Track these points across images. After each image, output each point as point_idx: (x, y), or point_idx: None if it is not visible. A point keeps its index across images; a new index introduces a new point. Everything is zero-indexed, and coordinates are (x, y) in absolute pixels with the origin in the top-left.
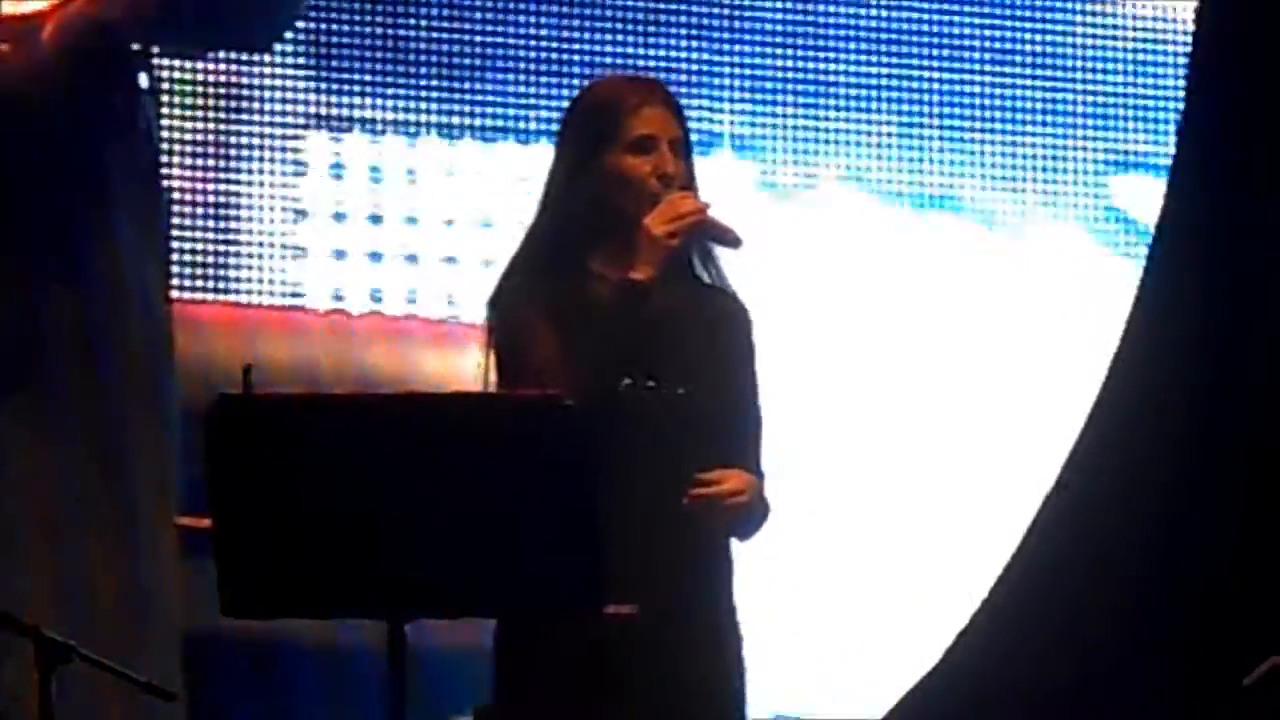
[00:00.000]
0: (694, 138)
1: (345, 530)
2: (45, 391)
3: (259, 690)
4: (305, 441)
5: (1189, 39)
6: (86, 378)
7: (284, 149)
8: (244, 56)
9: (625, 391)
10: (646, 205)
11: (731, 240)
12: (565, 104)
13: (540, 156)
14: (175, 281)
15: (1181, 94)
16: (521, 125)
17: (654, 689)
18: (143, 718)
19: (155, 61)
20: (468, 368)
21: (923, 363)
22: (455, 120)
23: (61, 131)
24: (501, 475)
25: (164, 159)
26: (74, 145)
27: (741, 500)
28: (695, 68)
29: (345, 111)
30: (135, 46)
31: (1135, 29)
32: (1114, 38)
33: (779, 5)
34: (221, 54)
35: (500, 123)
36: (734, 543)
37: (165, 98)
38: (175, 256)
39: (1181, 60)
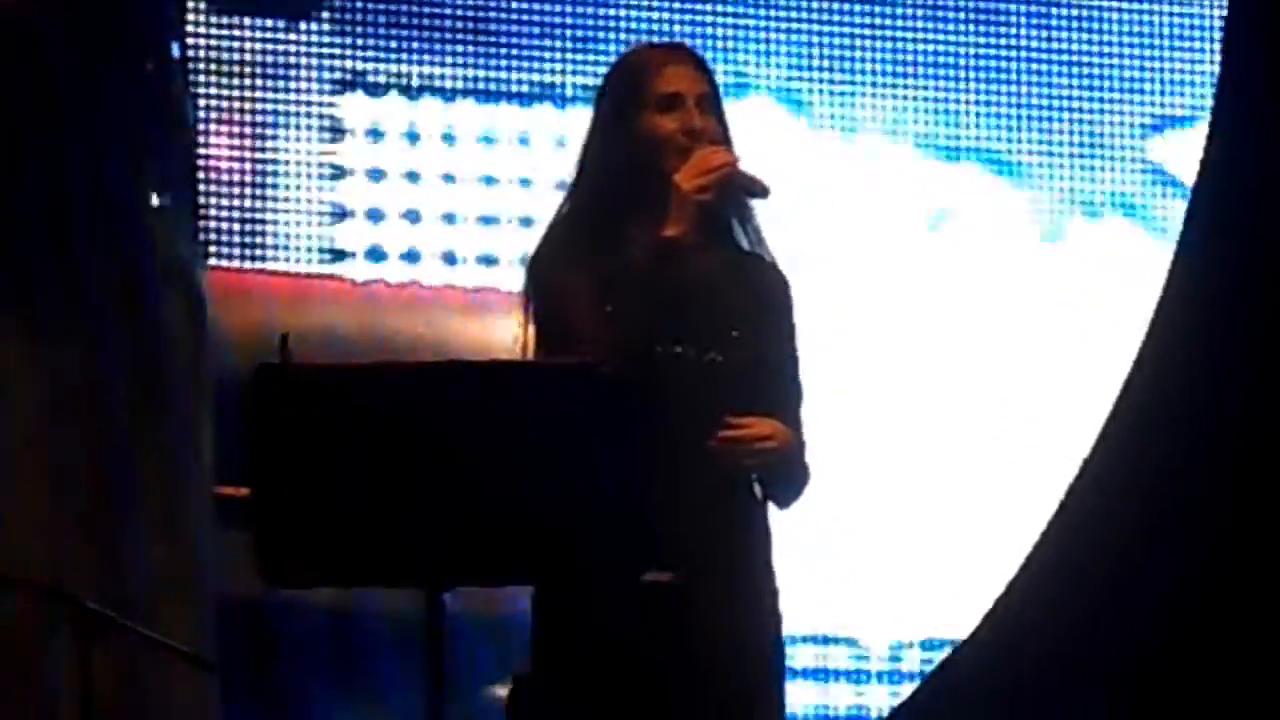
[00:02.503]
0: (734, 83)
1: (383, 499)
2: (94, 359)
3: (287, 656)
4: (344, 410)
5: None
6: (133, 345)
7: (320, 114)
8: (280, 23)
9: (658, 357)
10: (677, 162)
11: (760, 190)
12: (601, 65)
13: (576, 119)
14: (214, 249)
15: (1218, 52)
16: (559, 90)
17: (692, 655)
18: (179, 684)
19: (191, 29)
20: (506, 335)
21: (953, 329)
22: (492, 84)
23: (96, 104)
24: (540, 444)
25: (200, 127)
26: (109, 117)
27: (770, 445)
28: (736, 21)
29: (382, 75)
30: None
31: None
32: None
33: None
34: (259, 21)
35: (535, 88)
36: (770, 510)
37: (201, 66)
38: (214, 225)
39: (1219, 18)
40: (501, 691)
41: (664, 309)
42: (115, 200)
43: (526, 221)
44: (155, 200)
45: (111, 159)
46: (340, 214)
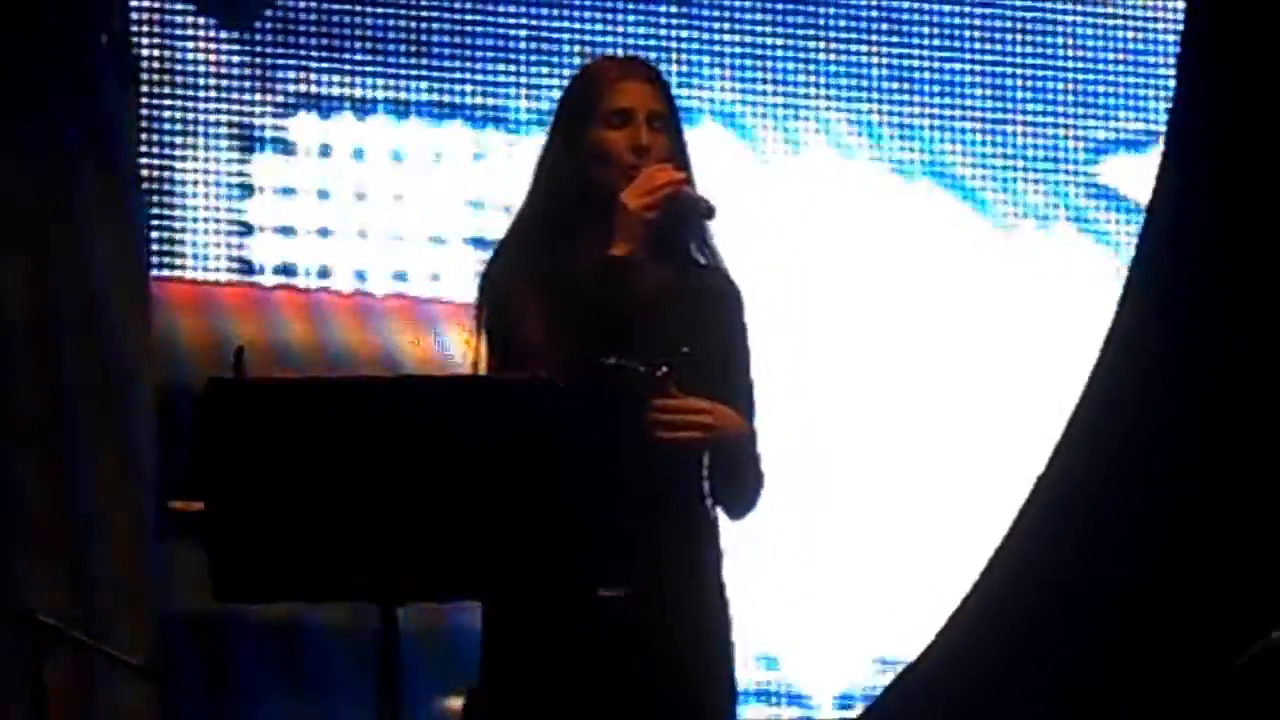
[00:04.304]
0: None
1: (336, 513)
2: (7, 386)
3: (233, 671)
4: (296, 425)
5: (1181, 16)
6: (50, 370)
7: (275, 129)
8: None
9: (608, 370)
10: (623, 179)
11: (705, 210)
12: (552, 88)
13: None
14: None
15: (1172, 72)
16: (512, 114)
17: (644, 670)
18: (127, 695)
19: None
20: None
21: (906, 338)
22: (445, 99)
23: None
24: (493, 458)
25: (158, 139)
26: (36, 136)
27: (708, 419)
28: (684, 44)
29: (335, 91)
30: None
31: (1128, 4)
32: (1107, 14)
33: None
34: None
35: (487, 110)
36: (723, 524)
37: (157, 79)
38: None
39: (1173, 37)
40: (449, 704)
41: (612, 326)
42: (40, 221)
43: (478, 242)
44: (84, 218)
45: (35, 177)
46: (289, 231)
